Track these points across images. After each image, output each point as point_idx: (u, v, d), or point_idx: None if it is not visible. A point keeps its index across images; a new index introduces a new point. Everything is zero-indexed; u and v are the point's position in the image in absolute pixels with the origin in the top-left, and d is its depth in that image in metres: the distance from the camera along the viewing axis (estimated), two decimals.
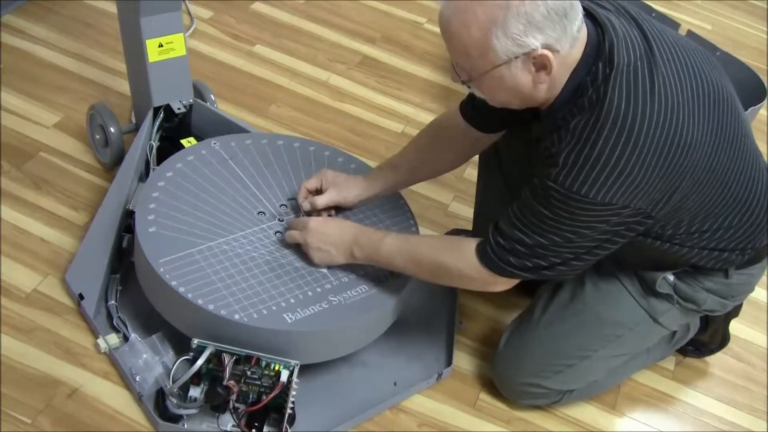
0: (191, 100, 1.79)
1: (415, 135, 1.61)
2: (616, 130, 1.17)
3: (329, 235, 1.44)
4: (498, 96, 1.25)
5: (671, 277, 1.44)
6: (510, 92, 1.22)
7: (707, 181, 1.26)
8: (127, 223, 1.58)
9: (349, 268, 1.48)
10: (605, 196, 1.19)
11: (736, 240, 1.38)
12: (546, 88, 1.21)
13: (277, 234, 1.52)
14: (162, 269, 1.39)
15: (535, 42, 1.14)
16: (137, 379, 1.43)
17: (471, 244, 1.34)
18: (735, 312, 1.69)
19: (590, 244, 1.28)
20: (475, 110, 1.48)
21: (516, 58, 1.15)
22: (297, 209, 1.57)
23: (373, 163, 1.85)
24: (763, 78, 2.16)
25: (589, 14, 1.22)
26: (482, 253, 1.32)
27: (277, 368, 1.35)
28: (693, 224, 1.33)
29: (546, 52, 1.15)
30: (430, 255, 1.38)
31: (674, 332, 1.59)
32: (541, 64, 1.17)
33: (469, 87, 1.25)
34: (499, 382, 1.59)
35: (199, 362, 1.34)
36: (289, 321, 1.37)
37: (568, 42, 1.16)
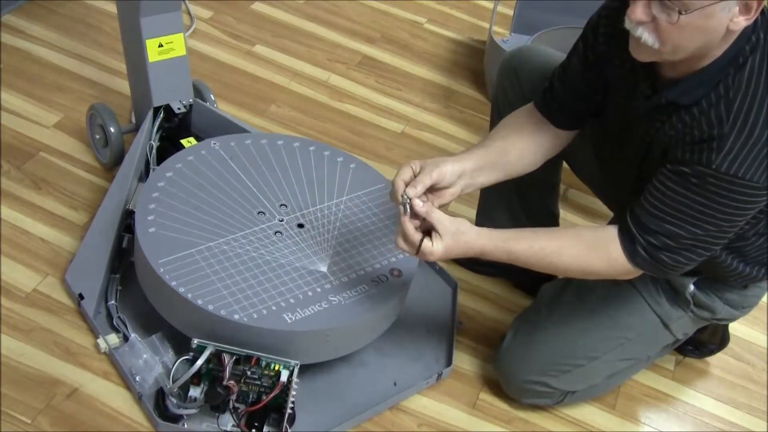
0: (191, 100, 1.79)
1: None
2: None
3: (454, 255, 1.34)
4: (685, 39, 1.16)
5: (692, 287, 1.44)
6: (701, 36, 1.15)
7: None
8: (127, 223, 1.58)
9: (349, 267, 1.48)
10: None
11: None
12: (723, 40, 1.16)
13: (277, 234, 1.52)
14: (162, 269, 1.39)
15: None
16: (137, 379, 1.43)
17: (616, 246, 1.29)
18: None
19: (733, 230, 1.25)
20: (555, 107, 1.45)
21: None
22: (297, 210, 1.57)
23: (372, 163, 1.85)
24: None
25: None
26: (633, 255, 1.28)
27: (277, 368, 1.35)
28: (755, 226, 1.33)
29: None
30: (576, 265, 1.32)
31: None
32: (746, 8, 1.12)
33: (653, 25, 1.15)
34: (504, 379, 1.58)
35: (199, 362, 1.34)
36: (289, 321, 1.37)
37: None
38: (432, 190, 1.32)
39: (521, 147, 1.45)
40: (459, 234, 1.27)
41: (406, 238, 1.27)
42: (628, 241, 1.28)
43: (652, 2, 1.13)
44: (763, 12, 1.19)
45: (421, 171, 1.31)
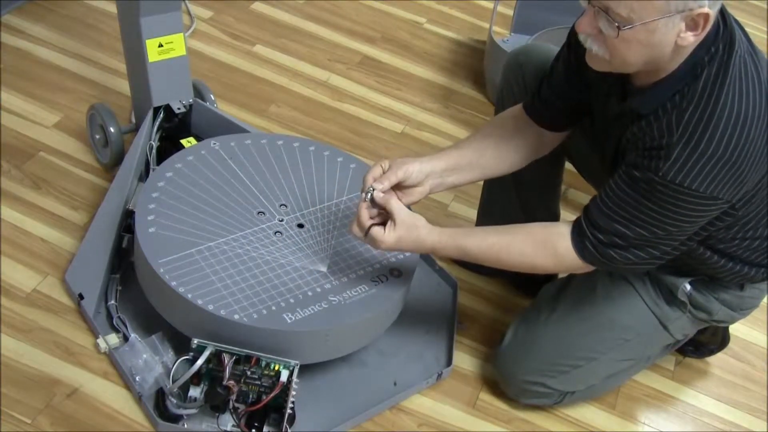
0: (191, 100, 1.79)
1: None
2: (731, 124, 1.16)
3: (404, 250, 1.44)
4: (631, 53, 1.18)
5: (688, 287, 1.44)
6: (647, 50, 1.17)
7: None
8: (127, 223, 1.58)
9: (349, 267, 1.48)
10: (714, 191, 1.19)
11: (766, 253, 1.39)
12: (674, 54, 1.18)
13: (277, 234, 1.52)
14: (162, 269, 1.39)
15: (705, 1, 1.11)
16: (137, 379, 1.43)
17: (566, 243, 1.32)
18: None
19: (684, 235, 1.27)
20: (540, 108, 1.47)
21: (680, 12, 1.12)
22: (297, 210, 1.57)
23: (372, 163, 1.85)
24: None
25: None
26: (582, 250, 1.31)
27: (277, 368, 1.35)
28: (740, 230, 1.33)
29: (709, 10, 1.11)
30: (523, 260, 1.36)
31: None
32: (693, 24, 1.13)
33: (601, 37, 1.18)
34: (503, 380, 1.58)
35: (199, 362, 1.34)
36: (289, 321, 1.37)
37: (716, 9, 1.14)
38: (401, 188, 1.39)
39: (500, 148, 1.48)
40: (414, 228, 1.33)
41: (358, 223, 1.33)
42: (578, 236, 1.31)
43: (597, 15, 1.16)
44: (725, 23, 1.20)
45: (389, 169, 1.38)
